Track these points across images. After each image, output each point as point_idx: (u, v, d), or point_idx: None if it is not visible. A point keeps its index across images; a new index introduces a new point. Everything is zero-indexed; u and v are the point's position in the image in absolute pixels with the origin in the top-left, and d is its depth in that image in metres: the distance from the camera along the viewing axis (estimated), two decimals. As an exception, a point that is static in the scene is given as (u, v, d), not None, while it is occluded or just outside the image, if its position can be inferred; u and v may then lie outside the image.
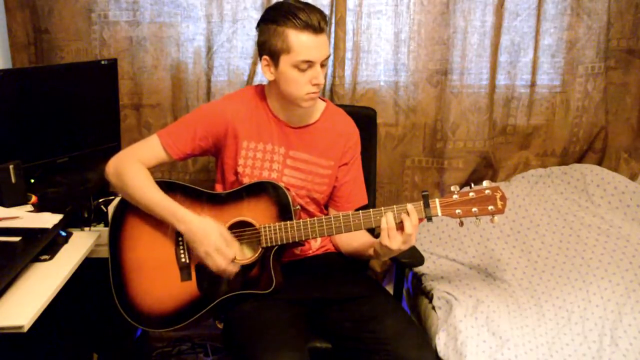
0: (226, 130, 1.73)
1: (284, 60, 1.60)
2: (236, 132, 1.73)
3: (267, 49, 1.63)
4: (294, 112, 1.74)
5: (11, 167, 1.82)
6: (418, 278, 2.16)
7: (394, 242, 1.53)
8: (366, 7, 2.32)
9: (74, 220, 1.93)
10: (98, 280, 1.78)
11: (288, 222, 1.61)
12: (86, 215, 1.99)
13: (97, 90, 2.22)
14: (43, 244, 1.65)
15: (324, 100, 1.84)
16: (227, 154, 1.76)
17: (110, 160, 1.71)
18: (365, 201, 1.88)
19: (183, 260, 1.67)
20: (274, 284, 1.62)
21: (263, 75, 1.69)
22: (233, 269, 1.61)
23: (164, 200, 1.63)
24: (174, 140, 1.72)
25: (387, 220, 1.53)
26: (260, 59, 1.67)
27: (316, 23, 1.57)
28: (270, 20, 1.62)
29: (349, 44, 2.33)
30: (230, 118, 1.73)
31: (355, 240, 1.75)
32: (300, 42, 1.57)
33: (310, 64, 1.60)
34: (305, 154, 1.77)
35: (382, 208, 1.55)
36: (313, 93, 1.64)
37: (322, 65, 1.63)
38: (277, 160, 1.75)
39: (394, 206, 1.55)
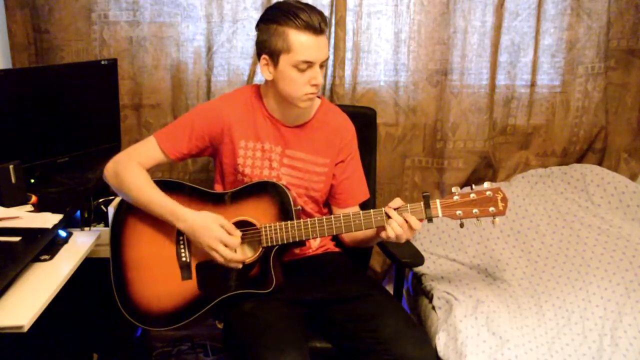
0: (222, 130, 1.73)
1: (284, 60, 1.60)
2: (232, 132, 1.73)
3: (267, 48, 1.63)
4: (290, 112, 1.74)
5: (11, 167, 1.82)
6: (418, 278, 2.16)
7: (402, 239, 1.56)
8: (366, 7, 2.32)
9: (74, 220, 1.93)
10: (98, 280, 1.78)
11: (289, 222, 1.61)
12: (86, 215, 1.99)
13: (97, 90, 2.22)
14: (43, 244, 1.65)
15: (319, 97, 1.83)
16: (225, 153, 1.76)
17: (108, 162, 1.72)
18: (367, 195, 1.88)
19: (184, 259, 1.67)
20: (274, 283, 1.62)
21: (261, 74, 1.69)
22: (240, 257, 1.61)
23: (162, 200, 1.63)
24: (171, 140, 1.72)
25: (394, 228, 1.53)
26: (259, 59, 1.67)
27: (317, 24, 1.57)
28: (270, 19, 1.62)
29: (349, 44, 2.33)
30: (226, 118, 1.73)
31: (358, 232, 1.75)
32: (300, 42, 1.58)
33: (309, 64, 1.60)
34: (301, 152, 1.77)
35: (383, 208, 1.55)
36: (311, 94, 1.64)
37: (321, 66, 1.63)
38: (275, 159, 1.76)
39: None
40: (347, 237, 1.84)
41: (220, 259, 1.60)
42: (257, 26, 1.67)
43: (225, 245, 1.59)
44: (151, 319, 1.67)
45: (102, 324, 2.13)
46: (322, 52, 1.61)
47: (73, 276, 1.63)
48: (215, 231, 1.58)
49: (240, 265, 1.62)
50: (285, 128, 1.76)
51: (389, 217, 1.55)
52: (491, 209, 1.54)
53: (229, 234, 1.60)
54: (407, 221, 1.52)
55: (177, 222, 1.61)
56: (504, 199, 1.54)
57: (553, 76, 2.43)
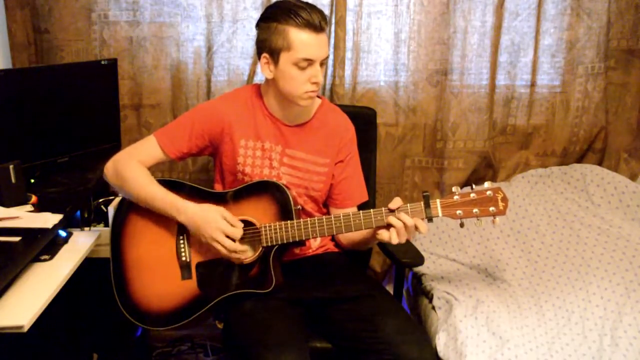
0: (222, 129, 1.74)
1: (284, 58, 1.61)
2: (232, 131, 1.73)
3: (268, 46, 1.63)
4: (290, 111, 1.74)
5: (11, 167, 1.82)
6: (418, 278, 2.15)
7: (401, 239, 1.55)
8: (366, 7, 2.32)
9: (74, 220, 1.93)
10: (98, 280, 1.78)
11: (289, 221, 1.61)
12: (86, 215, 1.99)
13: (97, 90, 2.22)
14: (43, 244, 1.65)
15: (319, 98, 1.84)
16: (225, 153, 1.76)
17: (109, 161, 1.72)
18: (365, 197, 1.88)
19: (184, 258, 1.67)
20: (274, 283, 1.62)
21: (262, 73, 1.69)
22: (243, 248, 1.60)
23: (163, 194, 1.63)
24: (171, 139, 1.73)
25: (404, 220, 1.53)
26: (260, 58, 1.68)
27: (317, 22, 1.58)
28: (271, 18, 1.62)
29: (349, 44, 2.33)
30: (226, 117, 1.73)
31: (356, 234, 1.75)
32: (301, 40, 1.58)
33: (310, 62, 1.60)
34: (301, 152, 1.77)
35: (383, 208, 1.55)
36: (312, 92, 1.65)
37: (322, 64, 1.64)
38: (275, 158, 1.76)
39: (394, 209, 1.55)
40: (343, 239, 1.83)
41: (223, 250, 1.59)
42: (257, 25, 1.67)
43: (227, 237, 1.58)
44: (151, 318, 1.67)
45: (102, 324, 2.13)
46: (322, 50, 1.61)
47: (73, 276, 1.63)
48: (218, 222, 1.58)
49: (244, 258, 1.61)
50: (285, 127, 1.76)
51: (393, 214, 1.54)
52: (491, 208, 1.53)
53: (232, 225, 1.59)
54: (416, 226, 1.53)
55: (179, 215, 1.61)
56: (504, 199, 1.54)
57: (553, 76, 2.43)
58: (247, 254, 1.65)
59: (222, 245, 1.58)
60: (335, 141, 1.80)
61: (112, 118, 2.28)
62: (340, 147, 1.81)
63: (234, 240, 1.59)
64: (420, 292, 2.11)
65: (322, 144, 1.79)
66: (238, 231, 1.59)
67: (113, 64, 2.23)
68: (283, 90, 1.66)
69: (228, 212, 1.61)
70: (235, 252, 1.59)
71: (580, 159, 2.47)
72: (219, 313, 1.74)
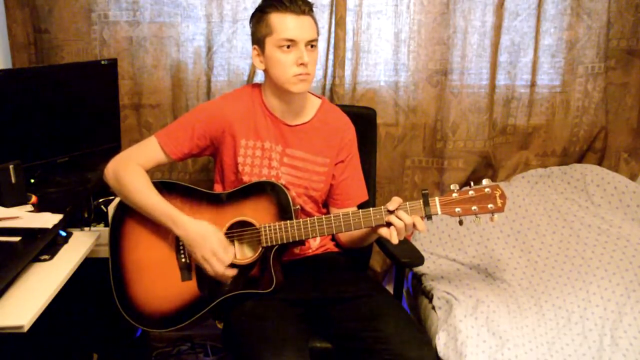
0: (223, 129, 1.74)
1: (269, 43, 1.65)
2: (233, 131, 1.74)
3: (256, 38, 1.69)
4: (289, 106, 1.74)
5: (11, 167, 1.82)
6: (418, 278, 2.16)
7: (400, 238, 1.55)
8: (366, 7, 2.32)
9: (74, 220, 1.93)
10: (98, 280, 1.78)
11: (288, 221, 1.61)
12: (86, 215, 1.99)
13: (97, 90, 2.22)
14: (43, 244, 1.65)
15: (319, 98, 1.84)
16: (226, 152, 1.76)
17: (109, 163, 1.71)
18: (365, 197, 1.88)
19: (183, 260, 1.67)
20: (274, 283, 1.62)
21: (256, 67, 1.72)
22: (230, 273, 1.61)
23: (161, 204, 1.63)
24: (172, 140, 1.73)
25: (403, 218, 1.53)
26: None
27: (298, 6, 1.62)
28: (257, 10, 1.69)
29: (349, 44, 2.33)
30: (228, 117, 1.74)
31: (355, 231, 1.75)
32: (281, 22, 1.62)
33: (292, 42, 1.63)
34: (301, 152, 1.77)
35: (382, 207, 1.55)
36: (300, 74, 1.65)
37: (312, 46, 1.66)
38: (275, 158, 1.76)
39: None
40: (342, 236, 1.84)
41: (210, 272, 1.61)
42: (249, 22, 1.71)
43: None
44: (151, 320, 1.67)
45: (102, 324, 2.13)
46: (305, 31, 1.63)
47: (73, 276, 1.63)
48: (212, 243, 1.59)
49: (229, 281, 1.63)
50: (286, 127, 1.76)
51: (392, 214, 1.54)
52: (490, 205, 1.54)
53: (224, 249, 1.60)
54: (414, 224, 1.53)
55: (176, 228, 1.62)
56: (503, 196, 1.54)
57: (553, 76, 2.43)
58: (246, 254, 1.65)
59: (211, 267, 1.60)
60: (335, 141, 1.80)
61: (112, 118, 2.28)
62: (341, 147, 1.81)
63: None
64: (420, 292, 2.11)
65: (323, 144, 1.79)
66: (228, 257, 1.61)
67: (113, 64, 2.23)
68: (274, 78, 1.68)
69: (223, 236, 1.62)
70: (223, 276, 1.61)
71: (580, 159, 2.47)
72: (219, 313, 1.74)
